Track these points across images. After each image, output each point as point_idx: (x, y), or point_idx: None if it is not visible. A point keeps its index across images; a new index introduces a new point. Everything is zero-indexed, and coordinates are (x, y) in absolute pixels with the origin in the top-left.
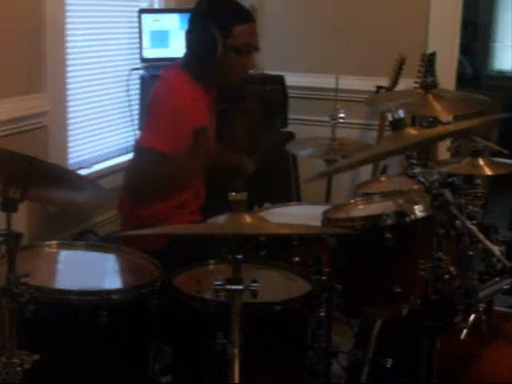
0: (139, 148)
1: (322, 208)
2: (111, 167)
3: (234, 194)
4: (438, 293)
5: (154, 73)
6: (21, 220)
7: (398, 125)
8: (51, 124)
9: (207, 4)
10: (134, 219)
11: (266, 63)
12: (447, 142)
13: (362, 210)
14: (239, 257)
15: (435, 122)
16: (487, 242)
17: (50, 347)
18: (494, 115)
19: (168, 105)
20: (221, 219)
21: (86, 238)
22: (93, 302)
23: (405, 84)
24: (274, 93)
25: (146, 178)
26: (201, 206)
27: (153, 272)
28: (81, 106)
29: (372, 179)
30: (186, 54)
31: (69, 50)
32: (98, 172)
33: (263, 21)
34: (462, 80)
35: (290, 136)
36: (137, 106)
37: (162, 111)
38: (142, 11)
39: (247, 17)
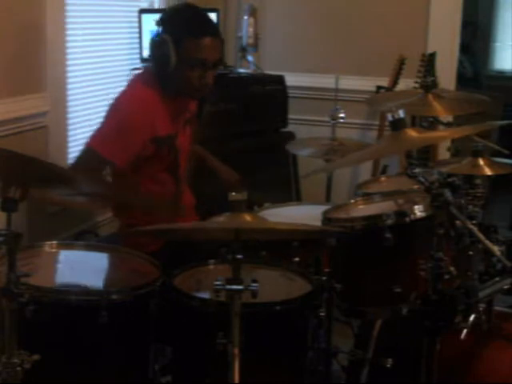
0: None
1: (322, 208)
2: None
3: (233, 193)
4: (438, 293)
5: None
6: (21, 220)
7: (397, 125)
8: (51, 124)
9: (168, 13)
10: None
11: (266, 63)
12: (447, 142)
13: (362, 209)
14: (239, 257)
15: (435, 122)
16: (487, 242)
17: (50, 347)
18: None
19: (119, 111)
20: (221, 219)
21: (85, 238)
22: (93, 302)
23: (405, 84)
24: (274, 93)
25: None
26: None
27: (153, 272)
28: (81, 106)
29: (372, 179)
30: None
31: (69, 50)
32: None
33: (263, 21)
34: (462, 80)
35: (290, 136)
36: None
37: (111, 115)
38: (142, 11)
39: (203, 31)
